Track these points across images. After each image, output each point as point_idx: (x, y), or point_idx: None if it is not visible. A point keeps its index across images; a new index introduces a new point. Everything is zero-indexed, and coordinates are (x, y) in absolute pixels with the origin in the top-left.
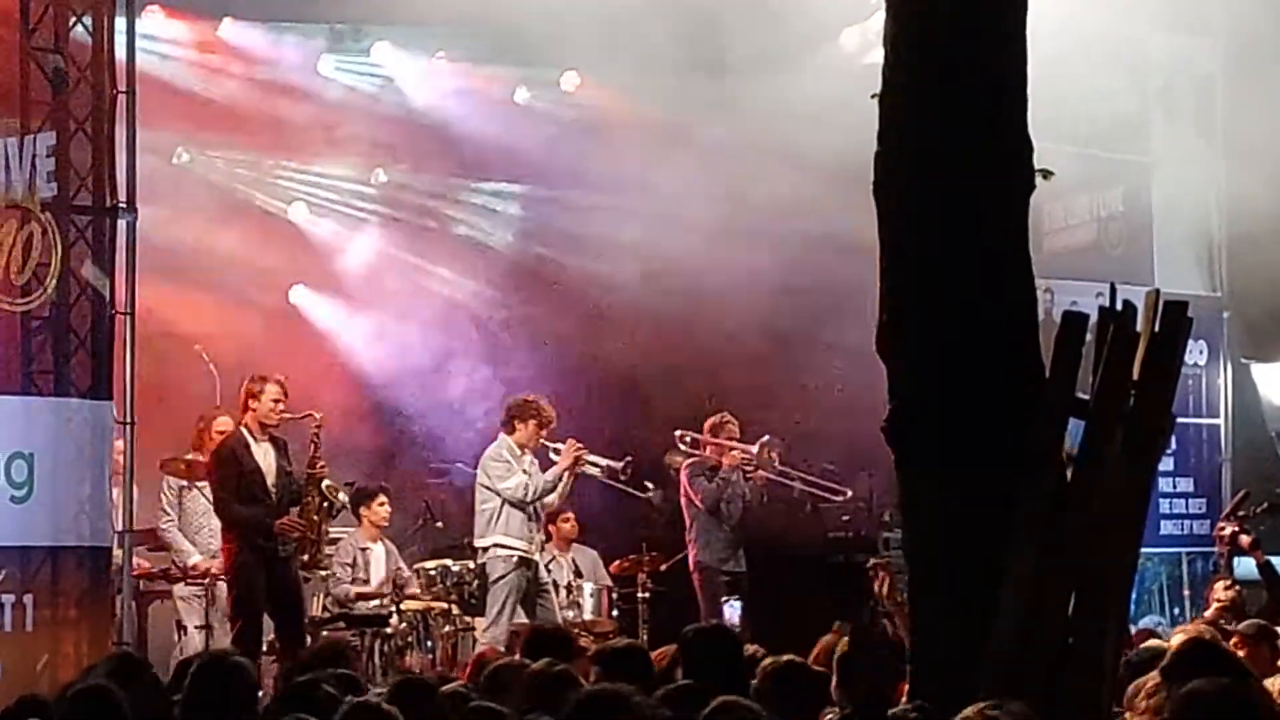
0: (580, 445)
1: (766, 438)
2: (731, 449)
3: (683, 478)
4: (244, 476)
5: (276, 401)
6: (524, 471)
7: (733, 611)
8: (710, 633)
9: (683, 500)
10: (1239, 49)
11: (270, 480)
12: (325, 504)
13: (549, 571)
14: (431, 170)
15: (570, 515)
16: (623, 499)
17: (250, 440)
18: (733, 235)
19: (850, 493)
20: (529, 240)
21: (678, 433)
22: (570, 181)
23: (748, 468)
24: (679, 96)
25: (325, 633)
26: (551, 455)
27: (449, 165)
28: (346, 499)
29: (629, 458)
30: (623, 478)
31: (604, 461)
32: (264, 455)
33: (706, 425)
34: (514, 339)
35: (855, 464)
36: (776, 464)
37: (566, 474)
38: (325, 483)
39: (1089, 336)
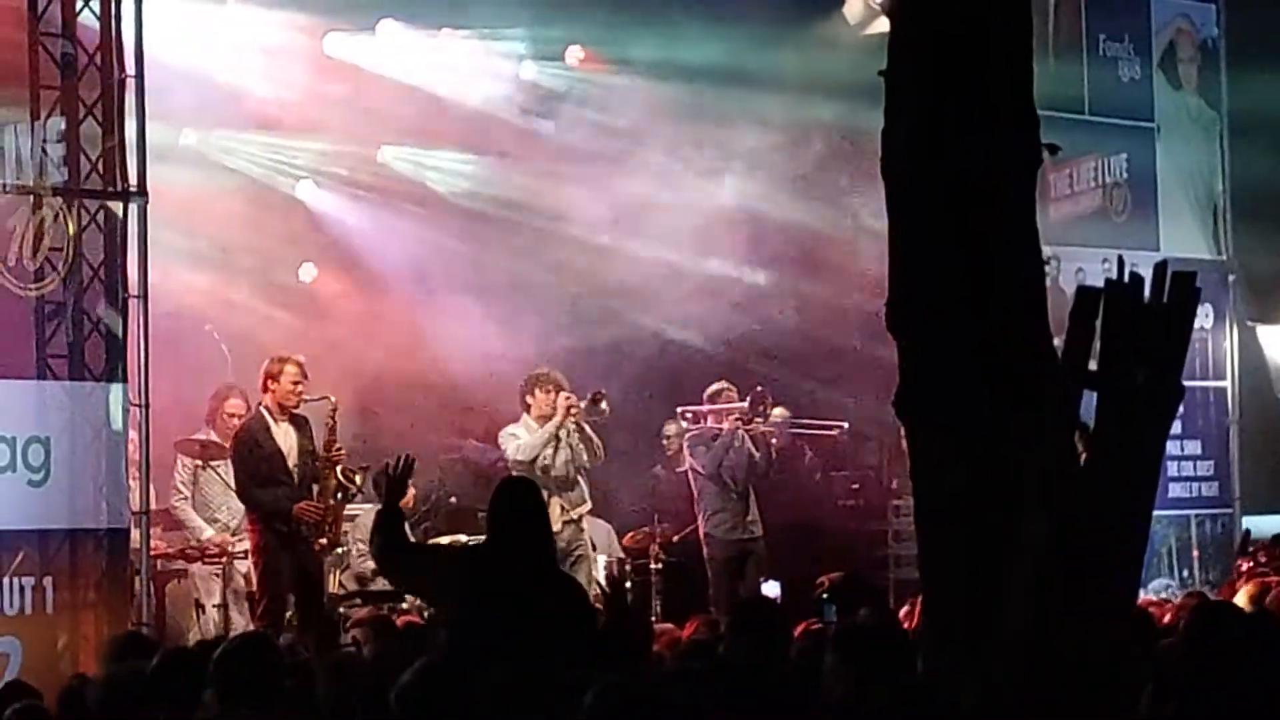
0: (570, 397)
1: (759, 388)
2: (728, 412)
3: (684, 451)
4: (263, 460)
5: (296, 383)
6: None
7: (772, 590)
8: (756, 606)
9: (689, 474)
10: (1240, 12)
11: (292, 461)
12: (341, 488)
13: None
14: (438, 146)
15: None
16: (637, 473)
17: (270, 422)
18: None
19: (848, 425)
20: (534, 213)
21: (679, 409)
22: (577, 157)
23: (746, 427)
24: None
25: (342, 609)
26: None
27: (454, 140)
28: (362, 482)
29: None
30: (603, 405)
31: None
32: (284, 436)
33: (705, 395)
34: (525, 311)
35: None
36: (771, 415)
37: (566, 430)
38: (341, 466)
39: None
